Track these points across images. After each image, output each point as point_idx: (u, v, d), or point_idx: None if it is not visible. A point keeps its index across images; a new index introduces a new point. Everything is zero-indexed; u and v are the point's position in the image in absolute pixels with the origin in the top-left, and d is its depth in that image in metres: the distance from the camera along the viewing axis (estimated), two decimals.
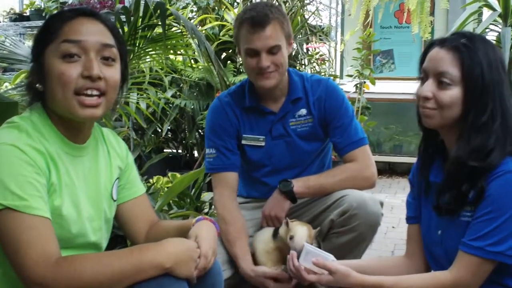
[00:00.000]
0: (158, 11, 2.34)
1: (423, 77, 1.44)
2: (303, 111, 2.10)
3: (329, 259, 1.56)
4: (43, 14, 5.39)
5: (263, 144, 2.11)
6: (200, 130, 4.65)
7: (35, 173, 1.19)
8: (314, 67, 5.18)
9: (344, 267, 1.51)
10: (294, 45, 4.07)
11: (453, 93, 1.38)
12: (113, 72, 1.31)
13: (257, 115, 2.11)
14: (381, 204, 2.01)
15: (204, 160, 2.16)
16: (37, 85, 1.29)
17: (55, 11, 5.24)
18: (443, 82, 1.39)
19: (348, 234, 1.94)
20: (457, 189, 1.41)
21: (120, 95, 1.38)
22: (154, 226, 1.53)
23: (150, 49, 2.72)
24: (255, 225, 2.11)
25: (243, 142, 2.12)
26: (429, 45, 1.45)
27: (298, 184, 2.01)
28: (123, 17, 2.52)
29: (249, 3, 4.66)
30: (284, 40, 1.99)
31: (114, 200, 1.44)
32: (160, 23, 2.35)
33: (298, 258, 1.62)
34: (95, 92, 1.26)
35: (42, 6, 5.51)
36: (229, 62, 4.55)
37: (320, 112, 2.10)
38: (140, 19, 2.48)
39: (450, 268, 1.41)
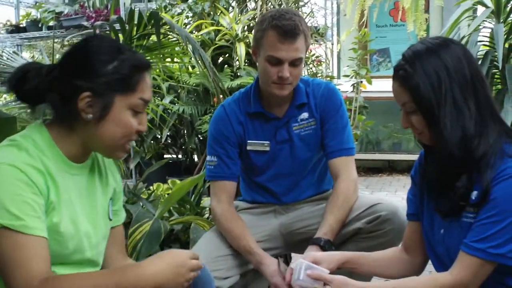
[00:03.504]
0: (152, 20, 2.36)
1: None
2: (305, 115, 2.11)
3: (325, 272, 1.54)
4: (39, 25, 5.43)
5: (267, 149, 2.11)
6: (199, 135, 4.67)
7: (32, 193, 1.21)
8: (311, 68, 5.20)
9: (340, 276, 1.50)
10: None
11: (419, 118, 1.43)
12: None
13: (262, 120, 2.11)
14: None
15: (205, 167, 2.16)
16: (88, 116, 1.29)
17: (50, 22, 5.26)
18: (407, 112, 1.45)
19: (379, 238, 1.94)
20: (453, 192, 1.42)
21: None
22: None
23: (147, 57, 2.74)
24: (263, 231, 2.10)
25: (248, 148, 2.11)
26: None
27: (330, 235, 1.93)
28: (117, 26, 2.54)
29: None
30: (305, 53, 2.01)
31: (110, 220, 1.46)
32: (154, 32, 2.37)
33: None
34: None
35: (38, 16, 5.53)
36: (226, 66, 4.55)
37: (320, 113, 2.11)
38: (135, 28, 2.50)
39: (450, 269, 1.41)
